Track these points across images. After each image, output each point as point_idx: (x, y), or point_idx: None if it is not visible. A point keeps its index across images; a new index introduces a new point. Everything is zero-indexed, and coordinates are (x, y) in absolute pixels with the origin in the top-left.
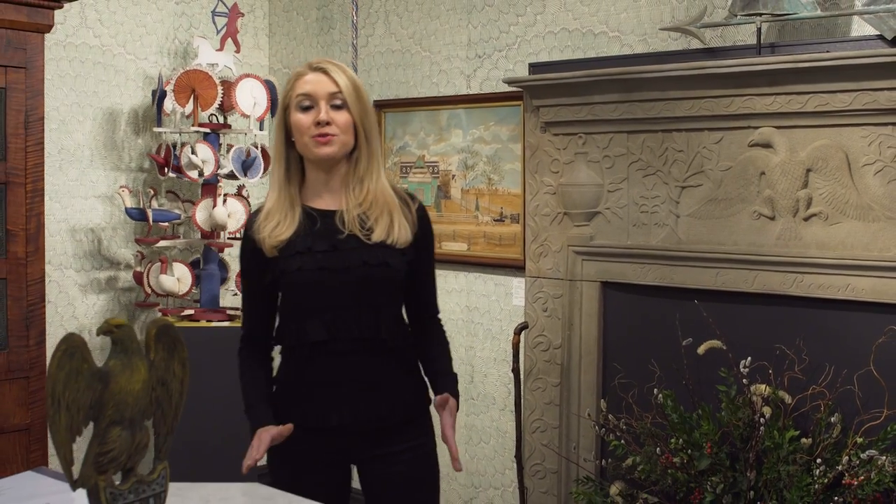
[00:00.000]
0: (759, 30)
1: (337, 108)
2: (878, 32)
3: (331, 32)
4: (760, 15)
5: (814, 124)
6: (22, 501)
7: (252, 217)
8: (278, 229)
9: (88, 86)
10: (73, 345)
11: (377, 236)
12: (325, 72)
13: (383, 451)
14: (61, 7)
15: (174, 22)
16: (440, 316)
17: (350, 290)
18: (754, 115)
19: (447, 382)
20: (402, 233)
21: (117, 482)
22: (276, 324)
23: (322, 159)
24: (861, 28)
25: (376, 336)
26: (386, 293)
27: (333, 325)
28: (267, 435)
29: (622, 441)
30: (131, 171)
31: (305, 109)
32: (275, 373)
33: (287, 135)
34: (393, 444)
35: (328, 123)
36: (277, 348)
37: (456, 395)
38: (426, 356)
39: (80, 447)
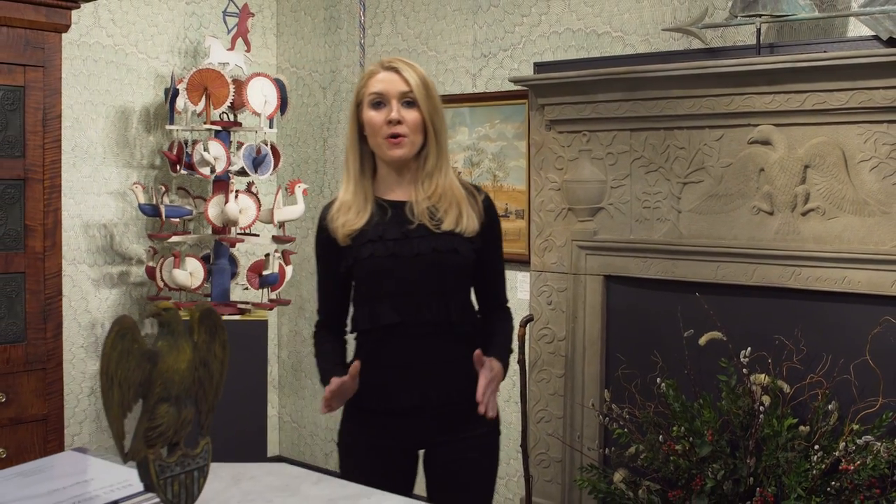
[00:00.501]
0: (758, 30)
1: (408, 105)
2: (873, 33)
3: (338, 32)
4: (760, 16)
5: (811, 122)
6: (66, 478)
7: (325, 209)
8: (352, 219)
9: (101, 84)
10: (125, 326)
11: (446, 226)
12: (396, 71)
13: (451, 437)
14: (78, 7)
15: (185, 21)
16: (509, 305)
17: (420, 275)
18: (754, 113)
19: (497, 350)
20: (470, 222)
21: (165, 455)
22: (351, 311)
23: (393, 161)
24: (857, 29)
25: (446, 320)
26: (455, 279)
27: (405, 309)
28: (337, 379)
29: (625, 430)
30: (143, 167)
31: (377, 107)
32: (349, 359)
33: (360, 129)
34: (461, 430)
35: (399, 122)
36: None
37: (503, 363)
38: (487, 332)
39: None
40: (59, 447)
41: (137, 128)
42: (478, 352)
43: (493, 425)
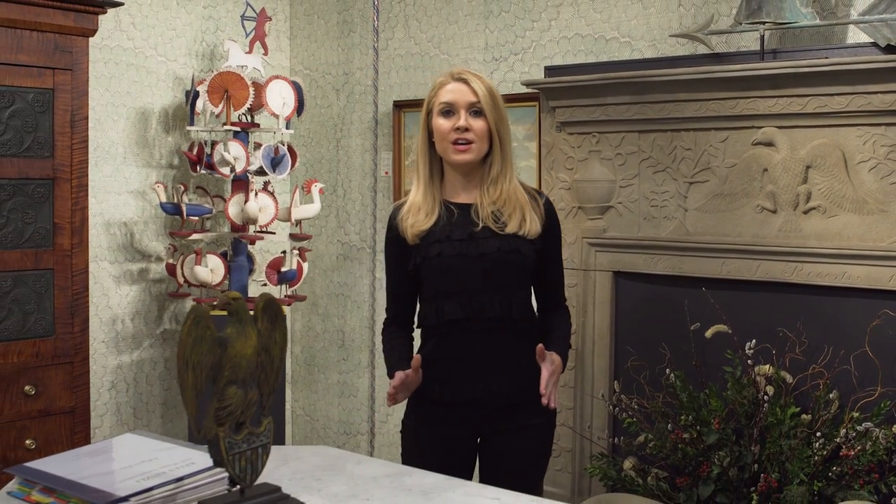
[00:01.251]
0: (762, 37)
1: (475, 115)
2: (871, 40)
3: (351, 35)
4: (763, 23)
5: (813, 124)
6: (132, 457)
7: (396, 210)
8: (421, 220)
9: (122, 86)
10: (199, 314)
11: (510, 229)
12: (465, 82)
13: (509, 426)
14: (105, 13)
15: (202, 25)
16: (567, 304)
17: (485, 273)
18: (757, 115)
19: (557, 345)
20: (532, 225)
21: (233, 433)
22: (418, 308)
23: (458, 164)
24: (856, 36)
25: (508, 316)
26: (517, 277)
27: (469, 305)
28: (401, 373)
29: (634, 419)
30: (161, 167)
31: (446, 115)
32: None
33: (429, 136)
34: (518, 420)
35: (467, 129)
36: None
37: (563, 357)
38: (547, 328)
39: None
40: (86, 439)
41: (156, 128)
42: (540, 346)
43: (548, 416)
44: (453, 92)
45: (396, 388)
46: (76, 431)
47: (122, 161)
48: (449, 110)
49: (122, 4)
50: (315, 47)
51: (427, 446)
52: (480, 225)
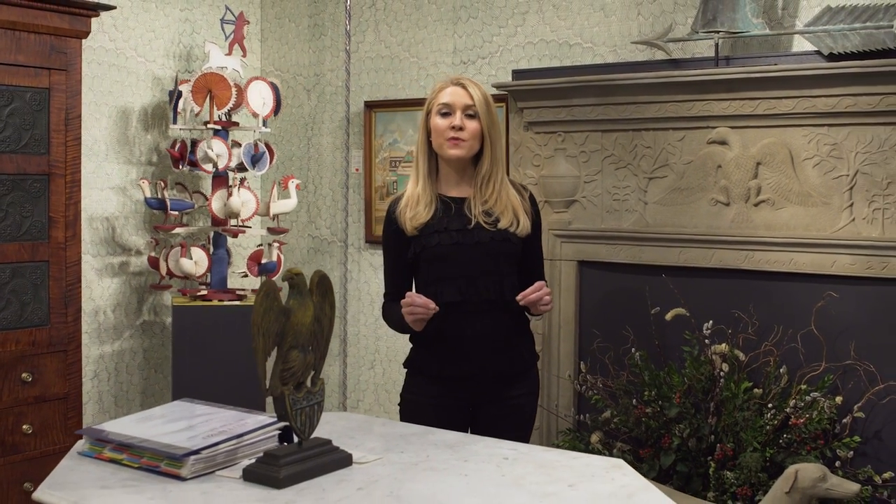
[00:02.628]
0: (716, 44)
1: (470, 117)
2: (816, 49)
3: (322, 38)
4: (718, 32)
5: (763, 125)
6: (191, 419)
7: (394, 203)
8: (419, 213)
9: (104, 86)
10: (269, 288)
11: (502, 226)
12: (463, 87)
13: (501, 396)
14: (98, 15)
15: (179, 27)
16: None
17: (479, 260)
18: (712, 116)
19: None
20: (524, 226)
21: (295, 392)
22: (414, 289)
23: (451, 159)
24: (801, 45)
25: (500, 298)
26: (507, 263)
27: (466, 289)
28: (412, 293)
29: (600, 396)
30: (141, 164)
31: (444, 115)
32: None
33: (428, 135)
34: (509, 391)
35: (461, 129)
36: None
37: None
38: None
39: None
40: (79, 424)
41: (136, 127)
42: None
43: (533, 388)
44: (451, 94)
45: (426, 302)
46: (69, 417)
47: (104, 158)
48: (447, 111)
49: (114, 8)
50: (286, 49)
51: (424, 416)
52: (473, 221)
